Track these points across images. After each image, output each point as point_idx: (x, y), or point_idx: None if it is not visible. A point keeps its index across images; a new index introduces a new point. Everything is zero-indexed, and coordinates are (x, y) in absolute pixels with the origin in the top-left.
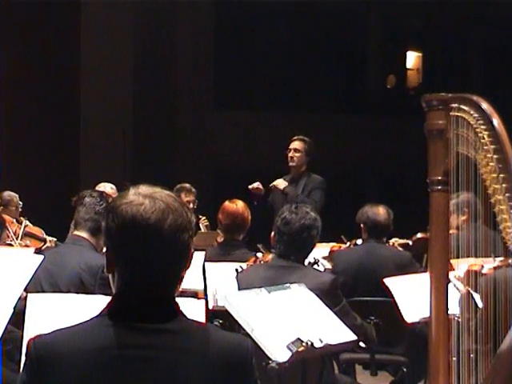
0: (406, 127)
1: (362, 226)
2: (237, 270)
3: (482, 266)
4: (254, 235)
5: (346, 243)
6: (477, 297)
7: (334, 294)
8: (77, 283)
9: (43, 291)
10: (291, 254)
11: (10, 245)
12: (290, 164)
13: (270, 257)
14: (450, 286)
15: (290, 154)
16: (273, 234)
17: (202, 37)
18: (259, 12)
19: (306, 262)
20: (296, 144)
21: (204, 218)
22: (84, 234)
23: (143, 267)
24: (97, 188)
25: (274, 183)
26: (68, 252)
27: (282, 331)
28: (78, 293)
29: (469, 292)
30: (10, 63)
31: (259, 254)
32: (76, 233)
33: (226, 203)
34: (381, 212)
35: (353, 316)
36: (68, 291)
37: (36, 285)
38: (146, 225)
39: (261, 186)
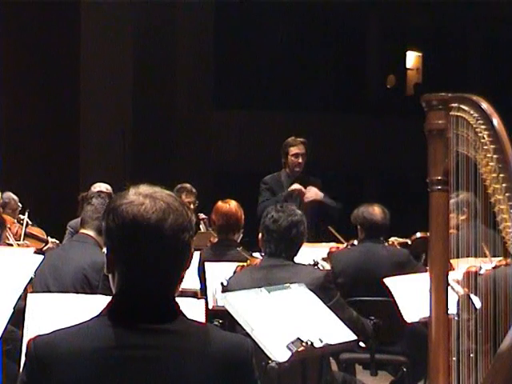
0: (405, 127)
1: (358, 227)
2: (222, 283)
3: (480, 268)
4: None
5: (343, 243)
6: (475, 299)
7: (327, 288)
8: (81, 279)
9: (48, 287)
10: (282, 252)
11: (10, 245)
12: (296, 169)
13: (257, 260)
14: (448, 289)
15: (299, 160)
16: (260, 235)
17: (201, 37)
18: (259, 12)
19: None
20: (301, 148)
21: (203, 214)
22: (91, 233)
23: (143, 267)
24: (92, 188)
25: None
26: (73, 248)
27: (282, 331)
28: (82, 288)
29: (467, 294)
30: (9, 63)
31: (256, 254)
32: (83, 231)
33: (219, 203)
34: (376, 212)
35: (348, 310)
36: (73, 286)
37: (41, 280)
38: (146, 225)
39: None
